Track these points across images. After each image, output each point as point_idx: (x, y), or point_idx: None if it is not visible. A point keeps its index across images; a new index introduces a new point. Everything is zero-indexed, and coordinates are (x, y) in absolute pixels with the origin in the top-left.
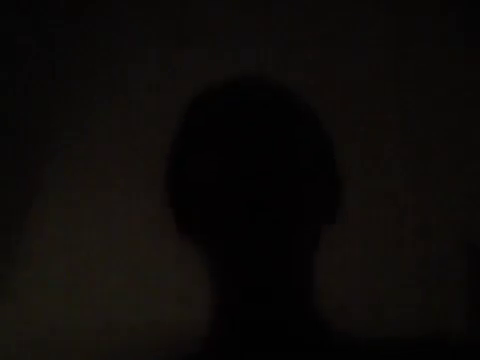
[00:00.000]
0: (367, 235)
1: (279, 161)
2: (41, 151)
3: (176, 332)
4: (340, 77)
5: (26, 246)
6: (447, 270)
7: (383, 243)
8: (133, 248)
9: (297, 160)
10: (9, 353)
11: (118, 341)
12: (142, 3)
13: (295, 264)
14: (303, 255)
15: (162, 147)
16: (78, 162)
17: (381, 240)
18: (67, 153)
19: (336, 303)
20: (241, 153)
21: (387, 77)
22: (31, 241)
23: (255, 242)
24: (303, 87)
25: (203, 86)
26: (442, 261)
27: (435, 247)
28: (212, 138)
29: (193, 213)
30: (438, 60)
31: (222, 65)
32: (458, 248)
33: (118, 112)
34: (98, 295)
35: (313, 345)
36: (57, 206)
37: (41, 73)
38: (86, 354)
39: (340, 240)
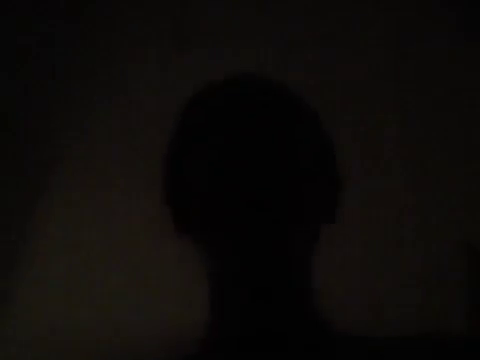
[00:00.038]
0: (367, 235)
1: (279, 161)
2: (41, 151)
3: (176, 332)
4: (340, 77)
5: (26, 246)
6: (447, 270)
7: (383, 243)
8: (133, 248)
9: (297, 160)
10: (9, 353)
11: (118, 341)
12: (142, 3)
13: (295, 264)
14: (303, 255)
15: (162, 147)
16: (78, 162)
17: (381, 240)
18: (67, 153)
19: (336, 303)
20: (241, 153)
21: (387, 77)
22: (31, 241)
23: (254, 242)
24: (303, 87)
25: (202, 85)
26: (442, 261)
27: (435, 247)
28: (211, 137)
29: (192, 213)
30: (438, 60)
31: (222, 65)
32: (458, 248)
33: (118, 112)
34: (98, 295)
35: (313, 345)
36: (57, 206)
37: (41, 73)
38: (86, 354)
39: (340, 240)
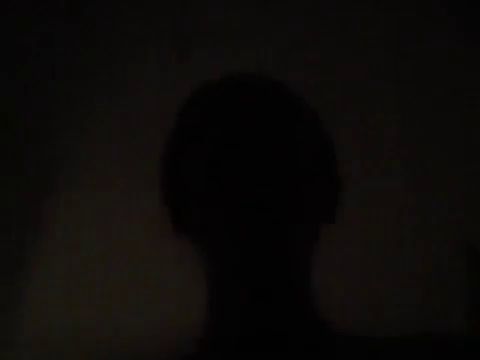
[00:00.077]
0: (367, 235)
1: (279, 160)
2: (41, 151)
3: (176, 332)
4: (340, 77)
5: (26, 246)
6: (447, 270)
7: (383, 243)
8: (133, 248)
9: (297, 160)
10: (9, 353)
11: (118, 341)
12: (142, 3)
13: (295, 264)
14: (303, 255)
15: (162, 147)
16: (78, 162)
17: (381, 240)
18: (67, 153)
19: (336, 303)
20: (241, 152)
21: (387, 77)
22: (31, 241)
23: (254, 242)
24: (303, 87)
25: (201, 84)
26: (442, 261)
27: (435, 247)
28: (211, 137)
29: (191, 212)
30: (438, 60)
31: (222, 65)
32: (458, 248)
33: (118, 112)
34: (98, 295)
35: (313, 345)
36: (57, 206)
37: (41, 73)
38: (86, 354)
39: (340, 240)
